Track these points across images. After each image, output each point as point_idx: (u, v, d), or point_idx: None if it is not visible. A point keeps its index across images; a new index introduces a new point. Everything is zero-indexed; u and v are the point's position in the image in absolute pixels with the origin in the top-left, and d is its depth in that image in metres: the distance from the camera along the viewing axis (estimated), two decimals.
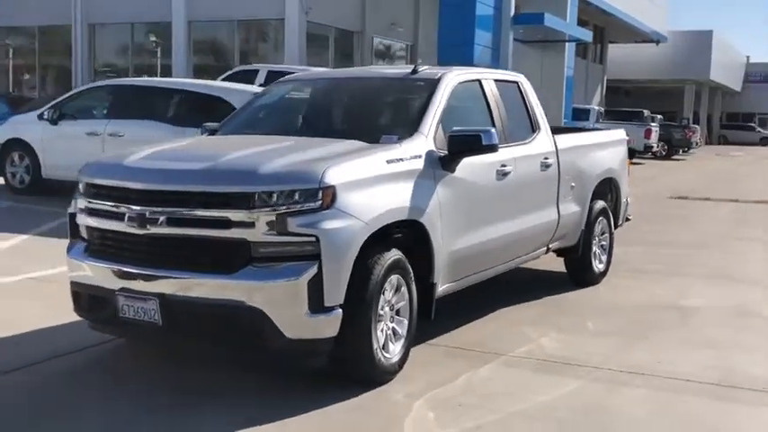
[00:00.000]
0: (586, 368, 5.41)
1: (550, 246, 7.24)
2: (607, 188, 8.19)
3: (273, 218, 4.49)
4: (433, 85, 5.91)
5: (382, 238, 4.91)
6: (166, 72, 24.79)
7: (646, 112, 33.95)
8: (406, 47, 28.78)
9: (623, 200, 8.60)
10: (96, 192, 5.03)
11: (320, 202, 4.56)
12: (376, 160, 5.03)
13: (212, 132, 6.36)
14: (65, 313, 6.20)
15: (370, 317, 4.79)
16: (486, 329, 6.30)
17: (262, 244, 4.52)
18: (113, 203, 4.88)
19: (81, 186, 5.18)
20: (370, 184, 4.87)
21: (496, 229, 6.16)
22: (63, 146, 12.08)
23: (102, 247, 5.03)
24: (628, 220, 8.96)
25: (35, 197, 12.37)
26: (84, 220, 5.12)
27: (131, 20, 25.91)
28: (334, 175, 4.64)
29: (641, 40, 47.77)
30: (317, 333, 4.59)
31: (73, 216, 5.35)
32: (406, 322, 5.17)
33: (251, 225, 4.50)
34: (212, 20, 24.70)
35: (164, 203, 4.67)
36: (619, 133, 8.73)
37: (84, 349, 5.63)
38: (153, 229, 4.69)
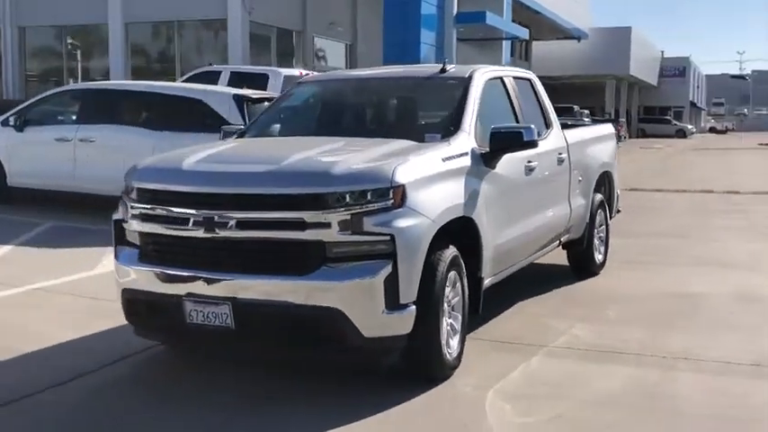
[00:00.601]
0: (629, 356, 5.59)
1: (561, 239, 7.42)
2: (604, 181, 8.43)
3: (349, 218, 4.51)
4: (466, 83, 6.01)
5: (441, 235, 4.98)
6: (103, 75, 24.23)
7: (576, 108, 34.72)
8: (345, 46, 28.83)
9: (616, 192, 8.87)
10: (153, 197, 4.95)
11: (392, 200, 4.60)
12: (434, 158, 5.11)
13: (240, 135, 6.30)
14: (91, 324, 6.17)
15: (438, 313, 4.86)
16: (514, 323, 6.42)
17: (336, 244, 4.54)
18: (176, 208, 4.81)
19: (133, 192, 5.08)
20: (432, 181, 4.94)
21: (526, 223, 6.31)
22: (30, 153, 11.75)
23: (161, 252, 4.95)
24: (618, 211, 9.23)
25: (2, 206, 11.97)
26: (138, 226, 5.03)
27: (64, 22, 25.24)
28: (403, 174, 4.70)
29: (564, 36, 48.81)
30: (392, 330, 4.63)
31: (118, 222, 5.26)
32: (460, 317, 5.25)
33: (327, 226, 4.51)
34: (150, 21, 24.27)
35: (233, 207, 4.64)
36: (608, 127, 8.99)
37: (129, 357, 5.56)
38: (222, 233, 4.65)
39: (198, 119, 10.91)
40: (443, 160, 5.17)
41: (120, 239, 5.27)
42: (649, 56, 66.13)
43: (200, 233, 4.71)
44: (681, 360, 5.48)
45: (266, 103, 11.09)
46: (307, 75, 16.58)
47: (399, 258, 4.55)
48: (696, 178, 21.14)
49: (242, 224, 4.62)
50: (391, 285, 4.55)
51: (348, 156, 4.88)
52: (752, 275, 8.31)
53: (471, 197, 5.32)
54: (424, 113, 6.16)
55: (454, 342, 5.14)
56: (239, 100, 10.84)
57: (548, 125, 7.11)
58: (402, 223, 4.59)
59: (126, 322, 6.02)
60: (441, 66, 6.29)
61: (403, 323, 4.64)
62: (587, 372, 5.29)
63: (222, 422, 4.48)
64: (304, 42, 26.03)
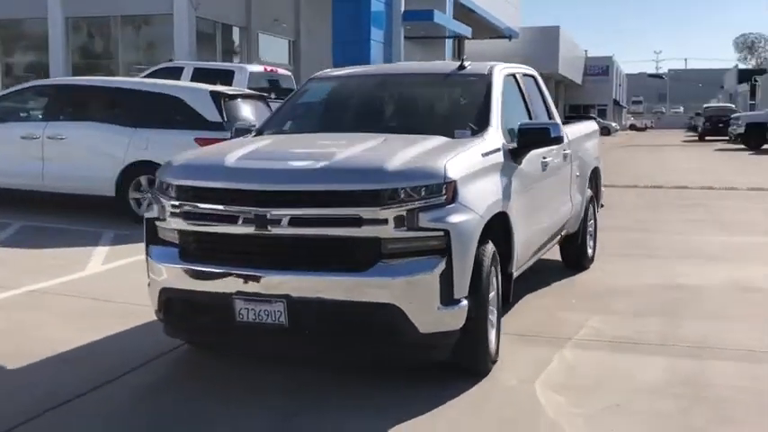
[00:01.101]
0: (654, 346, 5.75)
1: (563, 233, 7.56)
2: (593, 176, 8.61)
3: (405, 214, 4.52)
4: (487, 79, 6.09)
5: (483, 230, 5.03)
6: (44, 71, 23.55)
7: None
8: (288, 42, 28.66)
9: (602, 187, 9.07)
10: (195, 194, 4.86)
11: (445, 196, 4.64)
12: (476, 154, 5.16)
13: (260, 132, 6.22)
14: (107, 325, 6.05)
15: (486, 307, 4.93)
16: (529, 317, 6.51)
17: (392, 240, 4.54)
18: (225, 206, 4.74)
19: (171, 189, 4.98)
20: (476, 177, 5.00)
21: (541, 218, 6.42)
22: None
23: (207, 250, 4.87)
24: (602, 206, 9.44)
25: None
26: (179, 224, 4.93)
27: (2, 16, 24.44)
28: (454, 170, 4.74)
29: (496, 36, 49.43)
30: (447, 326, 4.66)
31: (151, 221, 5.16)
32: (496, 312, 5.31)
33: (383, 222, 4.51)
34: (92, 16, 23.68)
35: (286, 204, 4.60)
36: (594, 124, 9.21)
37: (162, 356, 5.48)
38: (275, 230, 4.61)
39: (173, 115, 10.74)
40: (483, 156, 5.23)
41: (153, 238, 5.16)
42: (575, 55, 67.56)
43: (251, 230, 4.66)
44: (705, 349, 5.65)
45: (240, 100, 11.03)
46: (271, 71, 16.55)
47: (454, 254, 4.59)
48: (640, 174, 21.68)
49: (296, 221, 4.58)
50: (446, 281, 4.58)
51: (395, 152, 4.87)
52: (738, 267, 8.57)
53: (505, 192, 5.39)
54: (452, 110, 6.19)
55: (492, 336, 5.20)
56: (216, 96, 10.70)
57: (551, 120, 7.22)
58: (455, 219, 4.62)
59: (141, 323, 6.10)
60: (459, 63, 6.35)
61: (456, 318, 4.68)
62: (622, 363, 5.41)
63: (282, 421, 4.45)
64: (248, 38, 25.78)
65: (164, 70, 15.38)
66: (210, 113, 10.56)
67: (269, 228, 4.61)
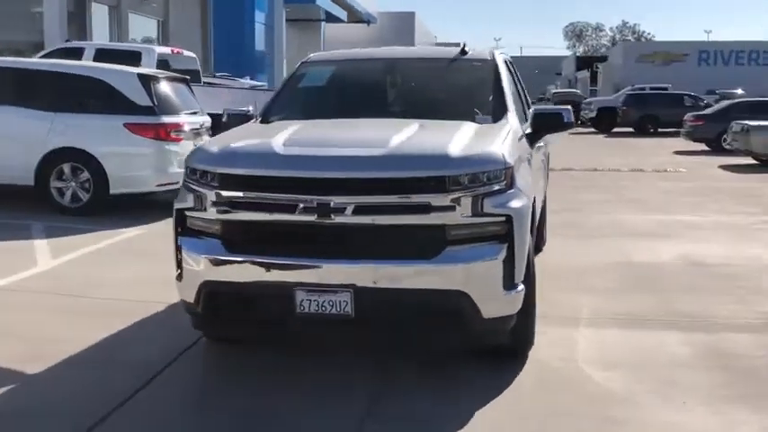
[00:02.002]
0: (660, 321, 6.02)
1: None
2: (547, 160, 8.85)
3: (470, 200, 4.51)
4: (493, 64, 6.15)
5: None
6: None
7: None
8: (157, 22, 27.62)
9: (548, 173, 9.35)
10: (246, 183, 4.64)
11: (505, 182, 4.66)
12: (514, 139, 5.19)
13: (265, 119, 5.97)
14: (109, 323, 5.78)
15: (535, 289, 5.00)
16: None
17: (458, 226, 4.52)
18: (280, 194, 4.55)
19: (212, 178, 4.72)
20: (520, 162, 5.06)
21: (538, 200, 6.55)
22: None
23: (257, 241, 4.67)
24: None
25: None
26: (224, 215, 4.69)
27: None
28: (510, 156, 4.77)
29: (355, 20, 49.58)
30: (508, 310, 4.70)
31: (182, 211, 4.90)
32: None
33: (451, 208, 4.48)
34: None
35: (351, 192, 4.48)
36: None
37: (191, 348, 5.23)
38: (338, 219, 4.49)
39: (98, 99, 10.20)
40: (518, 141, 5.28)
41: (185, 229, 4.91)
42: (427, 41, 68.69)
43: (312, 219, 4.51)
44: (710, 323, 5.95)
45: (167, 83, 10.59)
46: (177, 52, 15.91)
47: (516, 238, 4.62)
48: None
49: (360, 209, 4.47)
50: (508, 265, 4.61)
51: (449, 138, 4.83)
52: (674, 244, 9.04)
53: (532, 176, 5.48)
54: (463, 95, 6.17)
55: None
56: (145, 79, 10.21)
57: (528, 105, 7.37)
58: (515, 204, 4.66)
59: (137, 319, 5.96)
60: (460, 48, 6.36)
61: (515, 302, 4.72)
62: (643, 339, 5.62)
63: (366, 410, 4.39)
64: (119, 17, 24.67)
65: (60, 51, 14.46)
66: (140, 97, 10.07)
67: (332, 216, 4.48)
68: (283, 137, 4.97)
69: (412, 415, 4.36)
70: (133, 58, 13.45)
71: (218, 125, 11.79)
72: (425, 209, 4.47)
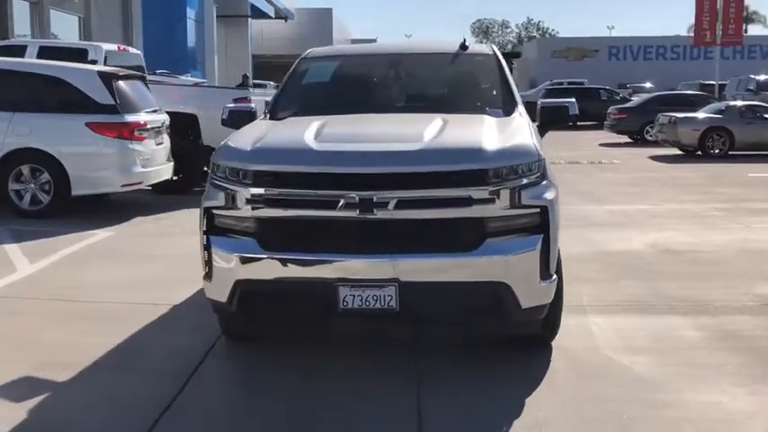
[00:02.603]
0: (661, 307, 6.21)
1: None
2: None
3: (508, 192, 4.58)
4: (495, 58, 6.24)
5: None
6: None
7: None
8: (78, 19, 26.84)
9: None
10: (284, 180, 4.60)
11: (538, 174, 4.74)
12: (535, 132, 5.28)
13: (273, 116, 5.89)
14: (101, 328, 5.69)
15: (562, 279, 5.09)
16: None
17: (497, 219, 4.59)
18: (321, 190, 4.53)
19: (245, 175, 4.66)
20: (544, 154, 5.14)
21: None
22: None
23: (296, 238, 4.62)
24: None
25: None
26: (258, 212, 4.63)
27: None
28: (540, 148, 4.86)
29: (275, 16, 49.17)
30: (543, 300, 4.78)
31: (210, 209, 4.82)
32: None
33: (491, 201, 4.54)
34: None
35: (394, 186, 4.49)
36: None
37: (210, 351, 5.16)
38: (380, 214, 4.49)
39: (58, 98, 9.87)
40: (536, 134, 5.37)
41: (213, 228, 4.82)
42: (345, 38, 68.69)
43: (354, 215, 4.50)
44: (708, 306, 6.19)
45: (126, 81, 10.32)
46: (124, 50, 15.51)
47: (551, 229, 4.71)
48: None
49: (403, 203, 4.49)
50: (544, 256, 4.70)
51: (481, 132, 4.90)
52: (639, 233, 9.32)
53: None
54: (472, 89, 6.22)
55: None
56: (106, 77, 9.94)
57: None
58: (549, 195, 4.75)
59: (146, 322, 5.84)
60: (461, 42, 6.41)
61: (550, 292, 4.81)
62: (657, 325, 5.78)
63: (417, 399, 4.41)
64: (41, 14, 23.88)
65: (2, 48, 13.89)
66: (101, 96, 9.80)
67: (374, 211, 4.48)
68: (312, 133, 4.93)
69: (463, 404, 4.40)
70: (79, 55, 13.05)
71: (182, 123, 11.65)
72: (466, 202, 4.51)
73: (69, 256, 8.00)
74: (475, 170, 4.54)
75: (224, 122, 6.22)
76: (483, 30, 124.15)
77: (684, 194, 12.98)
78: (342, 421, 4.23)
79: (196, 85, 15.66)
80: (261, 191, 4.63)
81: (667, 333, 5.59)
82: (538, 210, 4.68)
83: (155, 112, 10.76)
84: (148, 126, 10.27)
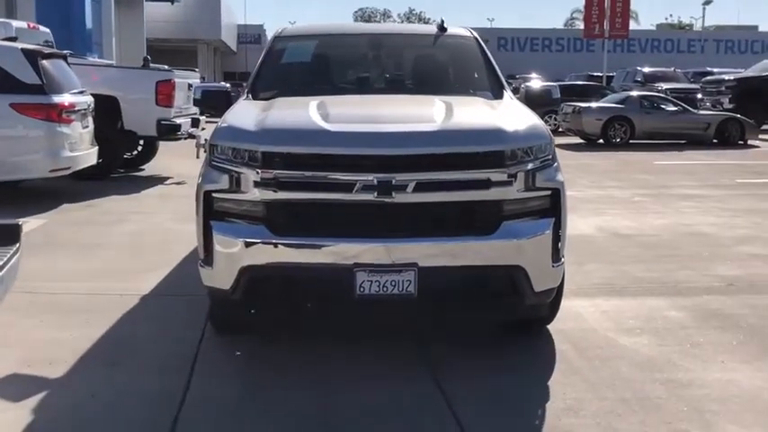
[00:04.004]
0: (636, 289, 6.34)
1: None
2: None
3: (524, 174, 4.52)
4: (476, 41, 6.18)
5: None
6: None
7: None
8: None
9: None
10: (296, 162, 4.37)
11: (550, 156, 4.71)
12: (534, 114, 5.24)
13: (254, 96, 5.62)
14: (75, 321, 5.40)
15: (564, 261, 5.08)
16: None
17: (513, 201, 4.52)
18: (337, 173, 4.34)
19: (252, 157, 4.41)
20: None
21: None
22: None
23: (308, 222, 4.42)
24: None
25: None
26: (267, 195, 4.40)
27: None
28: (548, 131, 4.83)
29: None
30: (553, 282, 4.76)
31: (209, 193, 4.56)
32: None
33: (508, 183, 4.47)
34: None
35: (414, 168, 4.35)
36: None
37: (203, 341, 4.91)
38: (399, 197, 4.34)
39: None
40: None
41: (213, 212, 4.57)
42: (232, 22, 67.48)
43: (371, 198, 4.33)
44: (692, 288, 6.35)
45: (50, 59, 9.76)
46: (33, 27, 14.60)
47: (563, 211, 4.69)
48: None
49: (422, 186, 4.35)
50: (556, 238, 4.67)
51: (492, 114, 4.84)
52: (580, 218, 9.49)
53: None
54: (458, 71, 6.11)
55: None
56: (31, 55, 9.34)
57: None
58: (560, 177, 4.73)
59: (125, 311, 5.63)
60: (439, 24, 6.30)
61: (559, 275, 4.79)
62: (637, 305, 5.87)
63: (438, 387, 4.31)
64: None
65: None
66: (27, 75, 9.20)
67: (393, 194, 4.33)
68: (316, 113, 4.73)
69: (489, 389, 4.33)
70: None
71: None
72: (485, 184, 4.43)
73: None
74: (495, 151, 4.45)
75: (196, 102, 5.96)
76: (365, 18, 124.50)
77: (604, 180, 13.34)
78: (366, 415, 4.08)
79: (109, 65, 14.98)
80: (271, 173, 4.39)
81: (653, 314, 5.68)
82: (550, 192, 4.64)
83: (80, 93, 10.20)
84: (76, 108, 9.72)
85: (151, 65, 14.44)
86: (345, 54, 6.23)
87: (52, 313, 5.49)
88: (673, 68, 35.06)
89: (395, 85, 5.93)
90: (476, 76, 6.00)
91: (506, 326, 5.21)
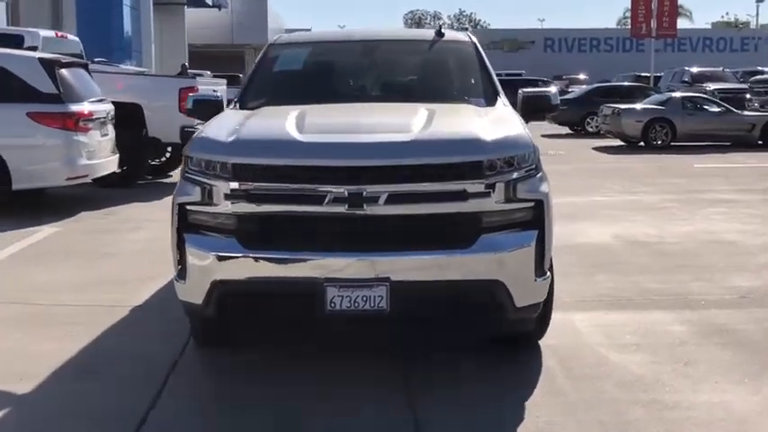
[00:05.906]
0: (641, 301, 6.11)
1: None
2: None
3: (504, 185, 4.35)
4: (473, 46, 6.02)
5: None
6: None
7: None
8: (6, 5, 25.80)
9: None
10: (267, 174, 4.28)
11: (534, 166, 4.53)
12: (522, 122, 5.06)
13: (242, 105, 5.55)
14: (52, 333, 5.37)
15: (553, 275, 4.89)
16: None
17: (492, 213, 4.36)
18: (307, 185, 4.23)
19: (223, 168, 4.32)
20: None
21: None
22: None
23: (278, 236, 4.31)
24: None
25: None
26: (238, 208, 4.31)
27: None
28: (532, 139, 4.65)
29: (212, 4, 48.21)
30: (538, 297, 4.57)
31: (183, 206, 4.48)
32: None
33: (486, 195, 4.31)
34: None
35: (385, 180, 4.22)
36: None
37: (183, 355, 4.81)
38: (370, 209, 4.21)
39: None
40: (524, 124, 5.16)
41: (187, 225, 4.49)
42: (278, 27, 67.92)
43: (342, 210, 4.21)
44: (698, 301, 6.08)
45: (70, 68, 9.84)
46: (63, 37, 14.81)
47: (546, 223, 4.51)
48: None
49: (395, 198, 4.22)
50: (539, 252, 4.49)
51: (472, 122, 4.69)
52: (601, 225, 9.23)
53: None
54: (452, 77, 5.97)
55: None
56: (48, 65, 9.41)
57: None
58: (544, 188, 4.55)
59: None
60: (436, 30, 6.17)
61: (544, 290, 4.60)
62: (637, 319, 5.64)
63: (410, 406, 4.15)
64: None
65: None
66: (43, 84, 9.28)
67: (364, 206, 4.21)
68: (293, 123, 4.63)
69: (460, 411, 4.17)
70: (15, 42, 12.39)
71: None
72: (461, 195, 4.27)
73: (16, 255, 7.53)
74: (471, 162, 4.30)
75: (189, 112, 5.89)
76: (416, 21, 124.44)
77: (636, 185, 13.00)
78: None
79: (140, 74, 15.10)
80: (242, 185, 4.30)
81: (653, 329, 5.46)
82: (533, 203, 4.47)
83: (100, 101, 10.27)
84: (93, 116, 9.78)
85: (188, 71, 14.51)
86: (337, 62, 6.11)
87: (37, 326, 5.47)
88: (721, 68, 34.18)
89: (385, 93, 5.79)
90: (471, 82, 5.85)
91: (492, 340, 5.04)
